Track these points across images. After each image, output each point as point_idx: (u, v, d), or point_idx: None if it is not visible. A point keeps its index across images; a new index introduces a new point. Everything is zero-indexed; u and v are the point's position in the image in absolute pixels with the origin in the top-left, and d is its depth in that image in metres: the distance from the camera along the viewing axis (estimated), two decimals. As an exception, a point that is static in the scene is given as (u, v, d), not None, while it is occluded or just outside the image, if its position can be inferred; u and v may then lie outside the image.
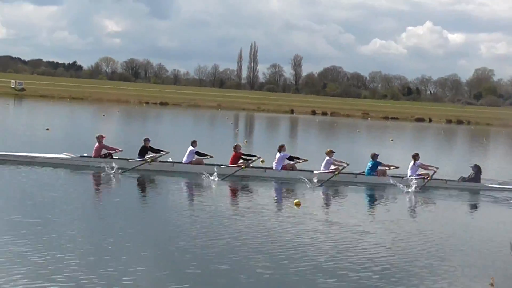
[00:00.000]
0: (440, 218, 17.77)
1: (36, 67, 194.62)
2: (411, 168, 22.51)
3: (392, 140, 51.72)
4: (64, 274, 9.84)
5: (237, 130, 54.23)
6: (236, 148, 22.51)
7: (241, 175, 21.64)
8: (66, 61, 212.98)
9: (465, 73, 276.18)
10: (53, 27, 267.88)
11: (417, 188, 21.02)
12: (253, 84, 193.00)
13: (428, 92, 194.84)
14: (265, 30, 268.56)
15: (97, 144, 21.96)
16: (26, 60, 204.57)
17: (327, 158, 22.48)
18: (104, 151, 21.97)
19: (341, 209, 18.40)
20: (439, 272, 11.47)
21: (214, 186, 19.83)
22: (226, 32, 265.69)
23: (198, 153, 22.15)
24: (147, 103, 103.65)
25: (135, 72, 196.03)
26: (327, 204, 19.22)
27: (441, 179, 22.68)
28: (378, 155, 23.02)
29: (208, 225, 14.05)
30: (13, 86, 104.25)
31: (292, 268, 11.06)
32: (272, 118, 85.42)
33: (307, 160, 22.92)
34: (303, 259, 11.63)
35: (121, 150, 22.30)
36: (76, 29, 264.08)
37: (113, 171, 20.18)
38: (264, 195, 19.66)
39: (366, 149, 26.07)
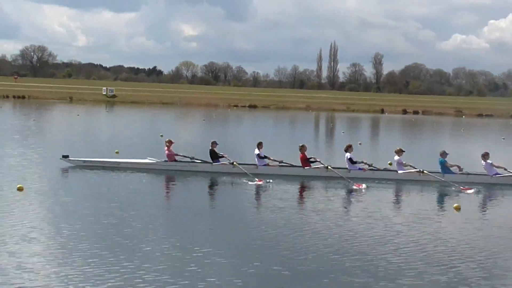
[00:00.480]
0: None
1: (118, 73, 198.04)
2: (486, 167, 21.62)
3: (503, 138, 49.30)
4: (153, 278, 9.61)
5: (343, 132, 52.85)
6: (302, 149, 22.08)
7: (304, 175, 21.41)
8: (146, 66, 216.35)
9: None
10: (131, 33, 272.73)
11: None
12: (333, 84, 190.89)
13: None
14: (341, 29, 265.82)
15: (166, 149, 22.11)
16: (108, 66, 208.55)
17: (397, 157, 21.73)
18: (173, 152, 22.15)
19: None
20: None
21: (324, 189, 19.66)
22: (302, 33, 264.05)
23: (265, 156, 21.99)
24: (236, 106, 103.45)
25: (215, 76, 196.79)
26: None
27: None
28: (447, 154, 21.88)
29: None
30: (104, 93, 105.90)
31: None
32: (367, 118, 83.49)
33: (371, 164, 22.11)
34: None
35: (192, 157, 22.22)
36: (153, 34, 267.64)
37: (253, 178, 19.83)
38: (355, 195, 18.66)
39: (485, 149, 24.38)
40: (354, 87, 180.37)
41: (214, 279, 9.66)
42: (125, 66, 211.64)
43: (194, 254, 10.93)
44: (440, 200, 19.00)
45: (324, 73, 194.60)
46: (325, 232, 13.08)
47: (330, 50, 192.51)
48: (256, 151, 21.96)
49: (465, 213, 16.11)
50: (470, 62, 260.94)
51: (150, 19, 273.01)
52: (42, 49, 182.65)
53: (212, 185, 19.75)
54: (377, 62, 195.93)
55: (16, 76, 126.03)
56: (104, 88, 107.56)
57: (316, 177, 21.04)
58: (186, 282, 9.46)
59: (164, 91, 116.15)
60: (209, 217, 14.63)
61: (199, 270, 10.03)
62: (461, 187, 19.66)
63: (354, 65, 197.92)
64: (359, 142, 35.67)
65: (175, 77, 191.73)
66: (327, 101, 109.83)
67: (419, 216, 15.38)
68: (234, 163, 21.45)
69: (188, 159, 21.92)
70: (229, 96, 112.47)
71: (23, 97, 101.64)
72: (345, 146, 22.23)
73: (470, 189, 19.51)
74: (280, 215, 14.76)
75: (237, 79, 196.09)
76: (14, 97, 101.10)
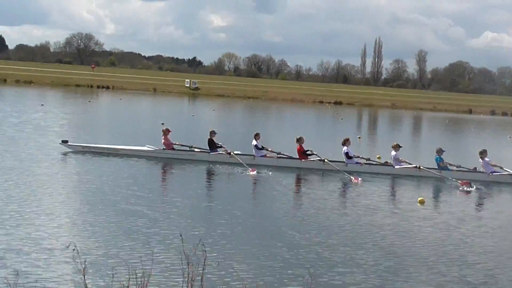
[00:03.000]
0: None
1: (158, 62, 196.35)
2: (485, 166, 21.63)
3: None
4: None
5: (473, 127, 51.57)
6: (299, 141, 22.20)
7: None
8: (173, 55, 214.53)
9: None
10: (160, 22, 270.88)
11: None
12: (377, 79, 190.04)
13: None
14: (371, 24, 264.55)
15: (163, 137, 22.45)
16: (146, 55, 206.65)
17: (394, 152, 21.91)
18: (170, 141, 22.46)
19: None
20: None
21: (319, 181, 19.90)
22: (332, 27, 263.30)
23: (257, 147, 22.13)
24: (321, 102, 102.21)
25: (258, 68, 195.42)
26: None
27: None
28: (444, 151, 22.01)
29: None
30: (187, 86, 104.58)
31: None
32: (464, 120, 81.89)
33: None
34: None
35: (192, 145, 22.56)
36: (182, 24, 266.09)
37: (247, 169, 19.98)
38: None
39: None
40: (403, 84, 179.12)
41: (209, 267, 9.43)
42: (164, 56, 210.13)
43: (189, 241, 10.28)
44: (436, 195, 19.28)
45: (367, 68, 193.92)
46: (318, 223, 13.45)
47: (375, 45, 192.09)
48: (254, 142, 22.19)
49: (461, 209, 16.57)
50: (500, 61, 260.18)
51: (179, 8, 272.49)
52: (89, 37, 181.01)
53: (209, 174, 19.93)
54: (421, 59, 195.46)
55: (93, 65, 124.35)
56: (187, 80, 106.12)
57: (313, 170, 21.35)
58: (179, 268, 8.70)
59: (238, 84, 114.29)
60: (203, 205, 14.89)
61: (194, 257, 9.22)
62: (460, 181, 19.93)
63: (397, 61, 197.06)
64: (358, 137, 36.69)
65: (218, 69, 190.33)
66: (412, 100, 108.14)
67: (412, 209, 15.91)
68: (231, 153, 21.69)
69: (187, 148, 22.31)
70: (308, 92, 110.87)
71: (107, 87, 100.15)
72: (342, 140, 22.42)
73: (468, 183, 19.68)
74: (274, 205, 15.22)
75: (280, 72, 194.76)
76: (98, 87, 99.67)
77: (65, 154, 21.66)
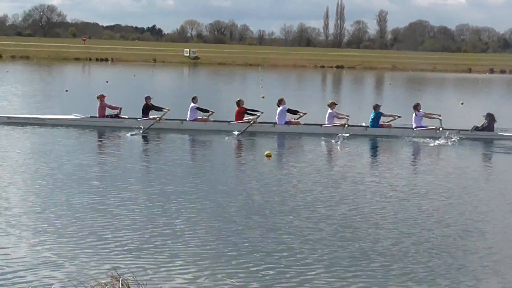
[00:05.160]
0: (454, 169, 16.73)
1: (120, 32, 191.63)
2: (415, 119, 22.15)
3: None
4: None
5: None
6: (239, 103, 22.33)
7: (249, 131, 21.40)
8: (121, 22, 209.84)
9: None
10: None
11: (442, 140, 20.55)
12: (340, 42, 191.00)
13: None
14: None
15: (98, 104, 22.17)
16: (104, 25, 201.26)
17: (330, 110, 22.24)
18: (109, 111, 22.27)
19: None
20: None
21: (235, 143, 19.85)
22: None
23: (199, 109, 22.22)
24: (322, 67, 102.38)
25: (221, 34, 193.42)
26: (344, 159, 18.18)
27: (454, 129, 21.93)
28: (380, 105, 22.66)
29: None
30: (187, 55, 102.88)
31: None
32: (475, 79, 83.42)
33: (305, 113, 22.66)
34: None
35: (121, 108, 22.50)
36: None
37: (140, 131, 20.43)
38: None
39: None
40: (370, 45, 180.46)
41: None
42: (121, 24, 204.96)
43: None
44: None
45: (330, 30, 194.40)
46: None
47: (337, 8, 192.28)
48: (192, 104, 22.17)
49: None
50: (446, 18, 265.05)
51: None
52: (51, 8, 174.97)
53: (137, 140, 19.84)
54: (382, 19, 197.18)
55: (84, 38, 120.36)
56: (187, 50, 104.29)
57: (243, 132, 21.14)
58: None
59: (240, 52, 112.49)
60: (139, 169, 15.12)
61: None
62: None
63: (358, 22, 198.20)
64: (262, 96, 36.72)
65: (181, 36, 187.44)
66: (411, 61, 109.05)
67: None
68: (158, 118, 21.60)
69: (117, 112, 22.22)
70: (306, 57, 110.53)
71: (106, 60, 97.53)
72: (277, 101, 22.65)
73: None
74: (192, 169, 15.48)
75: (243, 37, 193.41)
76: (97, 59, 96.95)
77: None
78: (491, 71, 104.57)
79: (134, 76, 60.64)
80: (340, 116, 22.26)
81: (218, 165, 15.87)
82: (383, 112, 22.42)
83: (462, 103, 38.42)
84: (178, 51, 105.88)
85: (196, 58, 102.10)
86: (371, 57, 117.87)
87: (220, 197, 12.22)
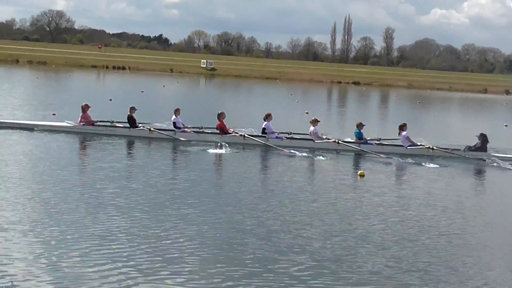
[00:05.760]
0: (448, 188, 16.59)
1: (127, 40, 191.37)
2: (403, 141, 22.13)
3: None
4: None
5: None
6: (220, 116, 22.20)
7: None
8: (125, 30, 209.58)
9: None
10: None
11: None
12: (347, 57, 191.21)
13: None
14: (323, 2, 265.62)
15: (82, 113, 22.13)
16: (111, 33, 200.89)
17: (312, 128, 22.21)
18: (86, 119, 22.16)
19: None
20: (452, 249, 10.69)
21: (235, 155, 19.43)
22: (284, 4, 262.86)
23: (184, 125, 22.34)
24: (339, 82, 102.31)
25: (228, 45, 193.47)
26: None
27: (447, 149, 21.94)
28: (364, 125, 22.43)
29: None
30: (203, 66, 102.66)
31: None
32: (494, 100, 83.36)
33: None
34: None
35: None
36: (133, 0, 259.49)
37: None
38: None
39: None
40: (377, 62, 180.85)
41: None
42: (127, 32, 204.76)
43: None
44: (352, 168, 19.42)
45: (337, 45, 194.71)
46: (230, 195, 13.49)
47: (345, 23, 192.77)
48: (173, 118, 22.26)
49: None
50: (450, 37, 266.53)
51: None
52: (60, 14, 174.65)
53: (128, 148, 20.09)
54: (388, 36, 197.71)
55: (100, 46, 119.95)
56: (203, 60, 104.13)
57: (236, 144, 20.98)
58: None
59: (255, 66, 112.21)
60: (124, 176, 15.01)
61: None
62: (378, 154, 20.66)
63: (364, 38, 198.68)
64: (306, 111, 36.33)
65: (188, 46, 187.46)
66: (426, 80, 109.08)
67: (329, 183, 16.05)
68: (152, 129, 21.67)
69: (108, 123, 22.20)
70: (321, 72, 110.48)
71: (123, 68, 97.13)
72: (264, 115, 22.55)
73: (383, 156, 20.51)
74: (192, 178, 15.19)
75: (250, 50, 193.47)
76: (114, 67, 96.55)
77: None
78: (507, 92, 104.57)
79: (164, 86, 60.51)
80: (323, 134, 22.20)
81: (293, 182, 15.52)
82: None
83: (506, 125, 38.17)
84: (192, 61, 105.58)
85: (213, 69, 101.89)
86: (385, 74, 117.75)
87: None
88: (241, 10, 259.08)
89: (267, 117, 22.23)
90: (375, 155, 20.63)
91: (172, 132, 21.83)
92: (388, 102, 67.17)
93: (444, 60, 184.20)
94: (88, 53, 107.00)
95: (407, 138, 21.97)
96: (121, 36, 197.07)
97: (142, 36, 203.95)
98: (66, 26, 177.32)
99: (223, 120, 22.04)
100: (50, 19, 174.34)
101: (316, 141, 21.83)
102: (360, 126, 22.16)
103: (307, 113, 35.48)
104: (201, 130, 22.16)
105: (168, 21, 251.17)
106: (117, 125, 22.15)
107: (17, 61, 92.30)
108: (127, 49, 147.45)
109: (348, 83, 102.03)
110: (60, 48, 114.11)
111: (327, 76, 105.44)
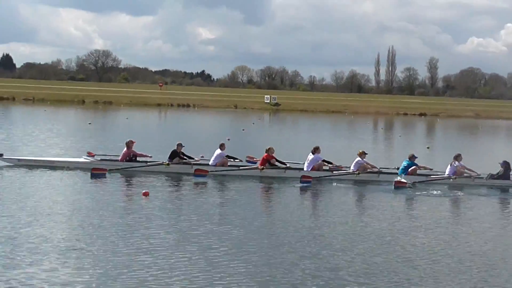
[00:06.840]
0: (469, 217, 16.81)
1: (170, 77, 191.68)
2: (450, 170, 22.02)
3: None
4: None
5: None
6: (269, 151, 22.11)
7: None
8: (161, 67, 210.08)
9: None
10: (148, 37, 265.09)
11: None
12: (391, 88, 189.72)
13: None
14: (358, 33, 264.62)
15: (125, 149, 21.92)
16: (153, 70, 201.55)
17: (358, 159, 21.94)
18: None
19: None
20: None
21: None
22: (319, 37, 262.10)
23: (228, 156, 22.40)
24: (405, 114, 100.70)
25: (272, 79, 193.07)
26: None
27: (469, 177, 21.82)
28: (416, 157, 22.39)
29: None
30: (267, 101, 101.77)
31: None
32: None
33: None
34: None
35: (151, 156, 22.27)
36: (170, 37, 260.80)
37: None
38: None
39: None
40: (424, 92, 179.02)
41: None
42: (169, 69, 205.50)
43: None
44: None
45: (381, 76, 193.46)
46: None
47: (388, 54, 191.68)
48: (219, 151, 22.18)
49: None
50: (486, 65, 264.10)
51: (167, 22, 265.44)
52: (106, 53, 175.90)
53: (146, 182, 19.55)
54: (432, 66, 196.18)
55: (161, 84, 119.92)
56: (267, 96, 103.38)
57: (275, 178, 21.28)
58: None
59: (321, 100, 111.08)
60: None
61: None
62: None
63: (408, 69, 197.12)
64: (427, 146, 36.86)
65: (232, 81, 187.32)
66: (492, 109, 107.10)
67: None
68: (169, 164, 21.51)
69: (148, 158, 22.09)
70: (385, 104, 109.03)
71: (188, 106, 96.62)
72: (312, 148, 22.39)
73: (405, 183, 20.36)
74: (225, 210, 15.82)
75: (294, 83, 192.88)
76: (178, 105, 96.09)
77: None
78: None
79: (243, 130, 56.01)
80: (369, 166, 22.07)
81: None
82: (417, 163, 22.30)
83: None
84: (255, 97, 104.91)
85: (277, 104, 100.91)
86: (447, 104, 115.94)
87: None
88: (275, 44, 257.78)
89: (315, 150, 21.98)
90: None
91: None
92: (477, 133, 65.34)
93: (492, 89, 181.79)
94: (151, 92, 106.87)
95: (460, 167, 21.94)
96: (164, 73, 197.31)
97: (185, 72, 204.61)
98: (112, 65, 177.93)
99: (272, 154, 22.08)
100: (97, 58, 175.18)
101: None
102: (412, 158, 22.20)
103: (428, 148, 36.08)
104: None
105: (206, 56, 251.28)
106: (154, 162, 21.72)
107: (83, 102, 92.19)
108: (186, 86, 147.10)
109: (414, 114, 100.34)
110: (124, 87, 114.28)
111: (391, 108, 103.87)
